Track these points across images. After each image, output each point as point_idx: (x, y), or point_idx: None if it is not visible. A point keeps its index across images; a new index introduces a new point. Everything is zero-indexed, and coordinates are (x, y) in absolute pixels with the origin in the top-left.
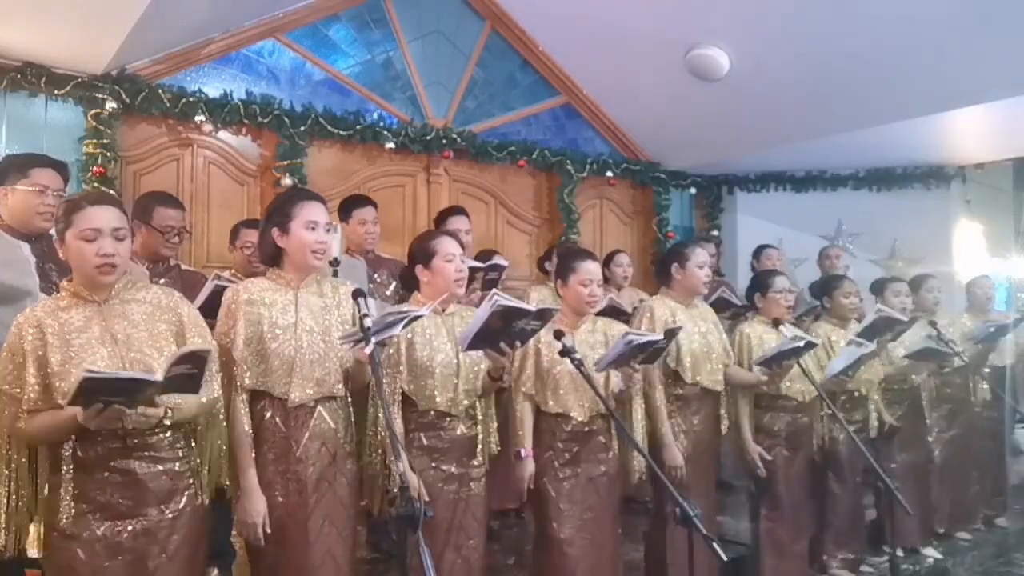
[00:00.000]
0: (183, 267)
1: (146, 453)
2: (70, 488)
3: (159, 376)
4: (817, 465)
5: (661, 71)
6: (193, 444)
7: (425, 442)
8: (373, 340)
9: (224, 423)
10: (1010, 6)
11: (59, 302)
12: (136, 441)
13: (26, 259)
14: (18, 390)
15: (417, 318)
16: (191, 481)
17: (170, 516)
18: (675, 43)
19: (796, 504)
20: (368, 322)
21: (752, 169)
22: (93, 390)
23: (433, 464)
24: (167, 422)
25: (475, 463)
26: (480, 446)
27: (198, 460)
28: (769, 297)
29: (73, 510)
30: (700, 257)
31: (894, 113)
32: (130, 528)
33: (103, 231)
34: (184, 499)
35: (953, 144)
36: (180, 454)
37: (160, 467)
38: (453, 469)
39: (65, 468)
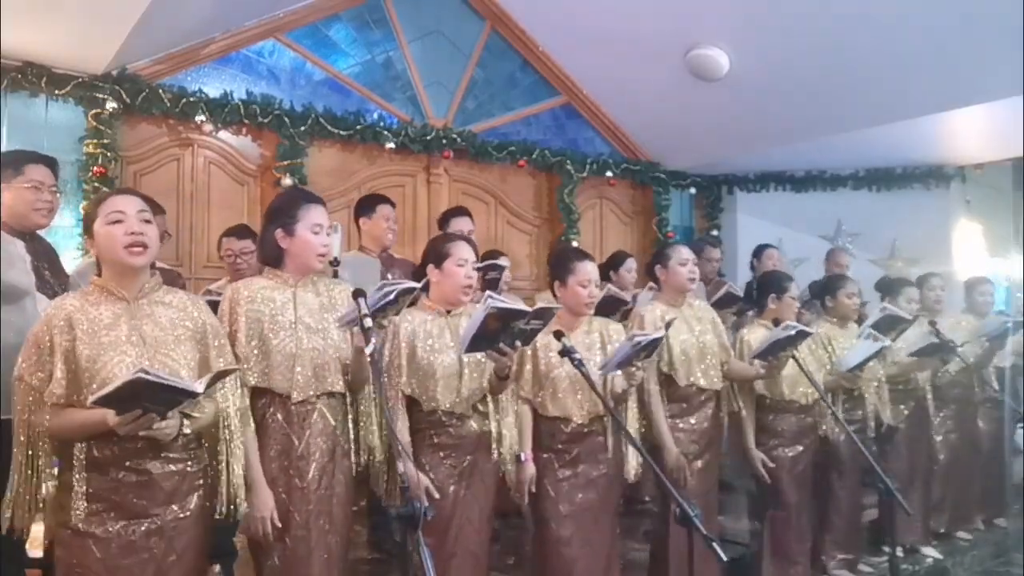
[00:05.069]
0: (158, 265)
1: (161, 453)
2: (83, 487)
3: (200, 388)
4: (819, 465)
5: (661, 71)
6: (205, 444)
7: (435, 440)
8: (373, 338)
9: (236, 426)
10: (1009, 6)
11: (87, 297)
12: (152, 441)
13: (22, 257)
14: (38, 381)
15: (411, 291)
16: (201, 482)
17: (182, 516)
18: (675, 43)
19: (800, 504)
20: (368, 322)
21: (752, 169)
22: (135, 391)
23: (444, 460)
24: (187, 430)
25: (488, 459)
26: (495, 442)
27: (208, 459)
28: (784, 300)
29: (86, 509)
30: (681, 255)
31: (894, 113)
32: (143, 527)
33: (128, 213)
34: (195, 499)
35: (953, 144)
36: (193, 454)
37: (174, 467)
38: (465, 464)
39: (77, 467)
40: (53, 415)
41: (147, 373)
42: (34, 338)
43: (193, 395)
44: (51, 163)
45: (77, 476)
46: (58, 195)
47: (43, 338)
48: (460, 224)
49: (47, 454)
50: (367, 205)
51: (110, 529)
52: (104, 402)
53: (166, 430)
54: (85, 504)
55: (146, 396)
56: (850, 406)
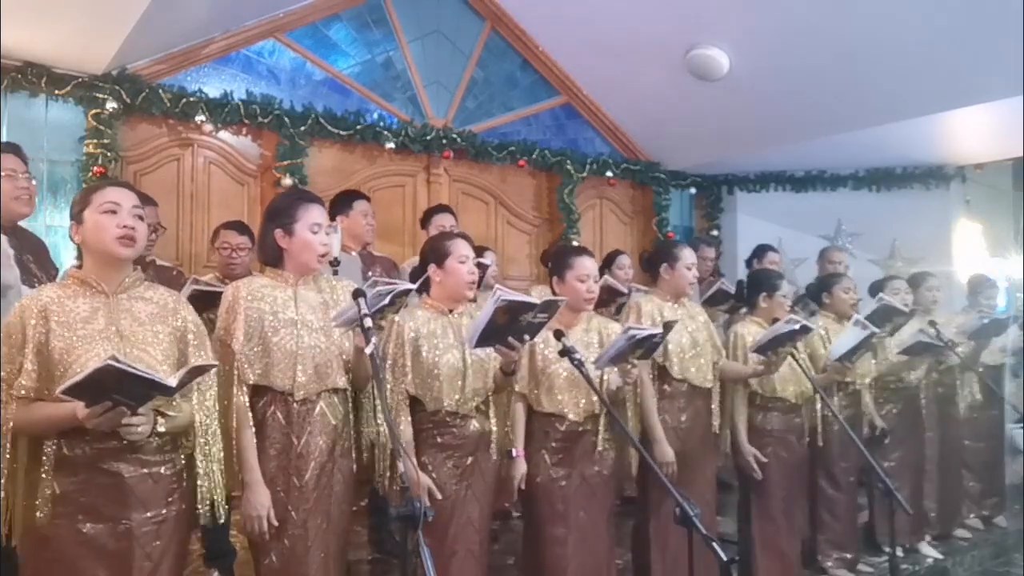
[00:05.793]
0: (158, 263)
1: (135, 456)
2: (50, 487)
3: (173, 383)
4: (812, 464)
5: (661, 71)
6: (181, 447)
7: (438, 440)
8: (373, 338)
9: (217, 430)
10: (1009, 6)
11: (65, 289)
12: (126, 443)
13: (5, 252)
14: (8, 374)
15: (407, 292)
16: (176, 486)
17: (155, 521)
18: (675, 43)
19: (788, 503)
20: (368, 322)
21: (752, 169)
22: (106, 381)
23: (447, 460)
24: (161, 429)
25: (488, 458)
26: (493, 442)
27: (184, 461)
28: (775, 298)
29: (52, 509)
30: (689, 259)
31: (894, 113)
32: (113, 531)
33: (123, 206)
34: (170, 504)
35: (953, 144)
36: (168, 458)
37: (147, 471)
38: (467, 464)
39: (47, 466)
40: (20, 409)
41: (118, 361)
42: (6, 329)
43: (165, 389)
44: (16, 150)
45: (45, 475)
46: (33, 182)
47: (15, 329)
48: (443, 221)
49: (20, 453)
50: (343, 202)
51: (80, 531)
52: (73, 392)
53: (138, 428)
54: (51, 505)
55: (117, 387)
56: (846, 403)
